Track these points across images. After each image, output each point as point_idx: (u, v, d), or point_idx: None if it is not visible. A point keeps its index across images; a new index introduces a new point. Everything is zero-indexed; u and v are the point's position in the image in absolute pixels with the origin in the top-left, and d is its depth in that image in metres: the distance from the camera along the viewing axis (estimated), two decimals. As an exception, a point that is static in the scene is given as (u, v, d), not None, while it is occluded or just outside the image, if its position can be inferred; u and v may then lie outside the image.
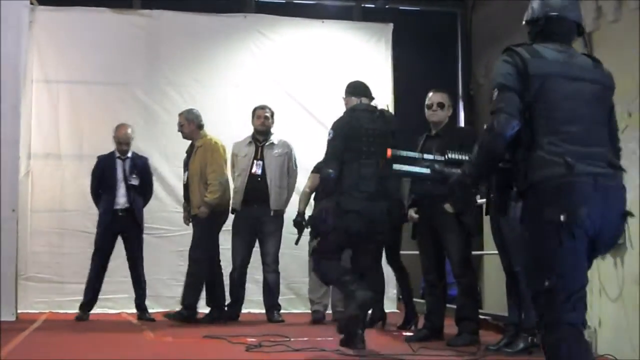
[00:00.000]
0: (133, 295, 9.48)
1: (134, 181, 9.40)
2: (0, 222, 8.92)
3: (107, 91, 10.83)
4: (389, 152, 5.48)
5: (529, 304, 6.51)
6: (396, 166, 5.17)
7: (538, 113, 4.02)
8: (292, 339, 7.25)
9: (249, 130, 9.66)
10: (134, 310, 9.48)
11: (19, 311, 9.27)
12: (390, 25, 11.80)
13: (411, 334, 7.81)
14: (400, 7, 12.58)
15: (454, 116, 12.10)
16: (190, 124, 9.31)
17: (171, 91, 10.91)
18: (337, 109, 10.08)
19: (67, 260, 9.49)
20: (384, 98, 11.39)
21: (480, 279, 11.86)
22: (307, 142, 9.97)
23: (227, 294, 9.39)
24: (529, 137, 4.02)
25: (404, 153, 5.37)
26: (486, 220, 7.41)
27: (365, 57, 11.64)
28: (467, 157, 4.51)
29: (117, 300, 9.55)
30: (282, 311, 9.59)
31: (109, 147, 9.49)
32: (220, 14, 11.34)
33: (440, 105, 7.58)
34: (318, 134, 9.98)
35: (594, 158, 3.96)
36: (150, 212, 9.90)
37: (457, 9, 13.03)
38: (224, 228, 9.48)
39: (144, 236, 9.60)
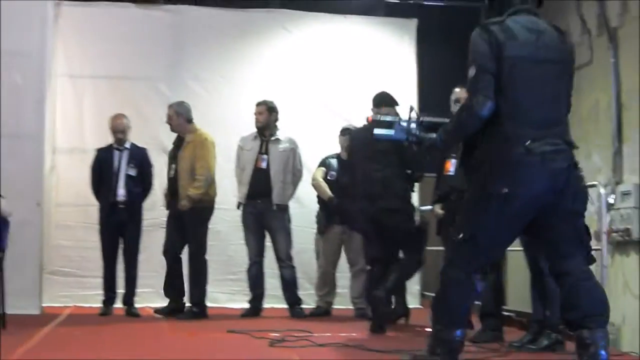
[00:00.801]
0: (156, 288, 9.52)
1: (131, 172, 9.34)
2: (26, 216, 8.94)
3: (131, 86, 10.88)
4: (369, 118, 6.09)
5: (553, 300, 6.51)
6: (377, 131, 5.58)
7: (505, 94, 4.46)
8: (315, 334, 7.24)
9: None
10: (158, 305, 9.50)
11: (43, 305, 9.31)
12: (414, 21, 11.79)
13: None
14: (424, 3, 12.51)
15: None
16: (180, 117, 9.28)
17: (195, 86, 10.94)
18: (360, 105, 10.16)
19: (92, 254, 9.51)
20: (408, 94, 11.42)
21: (504, 276, 11.85)
22: (329, 137, 9.92)
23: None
24: (495, 116, 4.47)
25: (384, 118, 5.76)
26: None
27: (389, 53, 11.64)
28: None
29: (140, 294, 9.56)
30: (304, 306, 9.61)
31: (133, 141, 9.50)
32: (245, 9, 11.35)
33: (457, 102, 7.47)
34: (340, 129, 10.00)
35: (552, 137, 4.48)
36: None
37: (481, 3, 12.97)
38: (229, 224, 9.62)
39: (149, 230, 9.65)
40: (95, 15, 10.85)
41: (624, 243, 9.52)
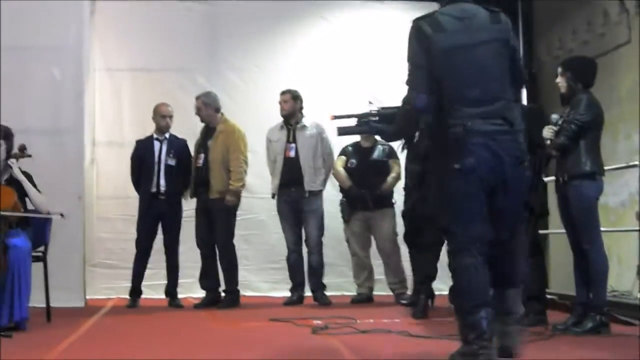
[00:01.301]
0: (197, 279, 9.57)
1: (171, 161, 9.37)
2: (67, 210, 9.00)
3: (169, 77, 10.91)
4: (331, 116, 6.05)
5: (596, 282, 6.49)
6: (339, 127, 5.83)
7: (444, 83, 4.80)
8: (358, 321, 7.25)
9: (310, 114, 9.70)
10: (200, 295, 9.55)
11: (87, 297, 9.39)
12: (451, 5, 11.71)
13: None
14: (459, -13, 12.43)
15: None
16: (208, 108, 9.36)
17: (232, 76, 10.97)
18: (396, 91, 10.09)
19: (132, 246, 9.52)
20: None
21: (547, 258, 11.79)
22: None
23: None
24: (440, 103, 4.82)
25: (345, 114, 5.87)
26: (553, 199, 7.33)
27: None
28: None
29: (182, 284, 9.61)
30: (346, 293, 9.63)
31: (172, 132, 9.54)
32: (281, -2, 11.37)
33: None
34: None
35: (491, 116, 4.78)
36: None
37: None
38: (271, 213, 9.82)
39: (190, 220, 9.64)
40: (131, 8, 10.86)
41: (666, 223, 9.43)
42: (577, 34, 11.49)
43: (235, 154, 9.17)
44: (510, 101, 4.94)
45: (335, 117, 5.92)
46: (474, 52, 4.86)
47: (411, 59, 4.99)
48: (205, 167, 9.25)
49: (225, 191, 9.15)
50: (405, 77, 5.02)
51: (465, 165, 4.72)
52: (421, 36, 4.92)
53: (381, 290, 10.00)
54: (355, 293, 9.83)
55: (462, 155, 4.72)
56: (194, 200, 9.56)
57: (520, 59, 5.22)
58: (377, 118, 5.56)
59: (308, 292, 9.65)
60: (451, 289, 5.25)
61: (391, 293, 9.75)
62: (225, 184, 9.17)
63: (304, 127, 9.55)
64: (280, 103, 9.61)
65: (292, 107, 9.54)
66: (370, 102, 5.80)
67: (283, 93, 9.64)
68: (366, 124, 5.59)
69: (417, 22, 5.02)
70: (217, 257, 9.37)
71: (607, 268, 6.69)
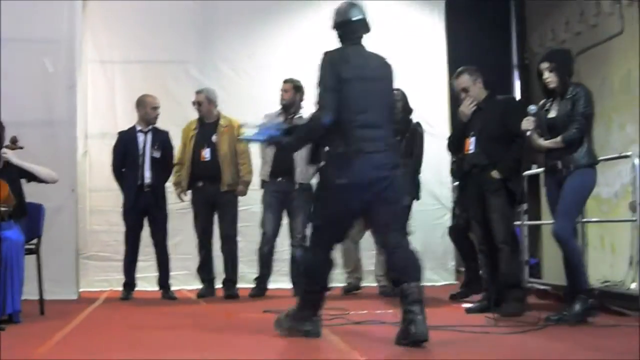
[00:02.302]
0: (192, 271, 9.60)
1: (156, 154, 9.36)
2: (61, 202, 9.01)
3: (162, 69, 10.92)
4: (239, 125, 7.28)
5: (578, 268, 6.69)
6: (244, 134, 6.91)
7: (343, 106, 5.69)
8: (351, 312, 7.27)
9: (306, 106, 9.69)
10: (194, 287, 9.57)
11: (80, 290, 9.39)
12: (444, -1, 11.76)
13: (471, 305, 7.76)
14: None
15: (508, 86, 12.08)
16: (210, 104, 9.49)
17: (225, 68, 10.98)
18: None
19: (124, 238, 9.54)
20: (438, 72, 11.43)
21: (539, 249, 11.82)
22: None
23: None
24: (336, 123, 5.69)
25: (256, 124, 6.65)
26: (543, 190, 7.37)
27: (419, 30, 11.63)
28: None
29: (176, 277, 9.62)
30: (338, 285, 9.64)
31: (164, 125, 9.53)
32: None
33: (464, 90, 7.61)
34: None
35: (376, 140, 5.72)
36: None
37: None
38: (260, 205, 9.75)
39: (182, 213, 9.75)
40: (123, 1, 10.86)
41: (659, 214, 9.44)
42: (570, 25, 11.51)
43: (244, 146, 9.37)
44: (390, 128, 5.96)
45: (241, 126, 6.93)
46: (369, 85, 5.85)
47: (322, 82, 5.82)
48: (213, 161, 9.35)
49: (235, 183, 9.38)
50: (317, 98, 5.84)
51: (344, 180, 5.66)
52: (333, 65, 5.86)
53: (370, 281, 10.13)
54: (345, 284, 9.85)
55: (348, 173, 5.66)
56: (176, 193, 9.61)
57: (394, 101, 6.70)
58: (277, 130, 6.34)
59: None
60: (299, 272, 6.37)
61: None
62: (234, 177, 9.38)
63: (301, 118, 9.52)
64: (281, 92, 9.60)
65: (292, 97, 9.53)
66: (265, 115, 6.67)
67: (286, 82, 9.64)
68: (265, 134, 6.35)
69: (330, 53, 6.00)
70: (211, 249, 9.47)
71: (580, 253, 6.91)
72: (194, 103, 9.50)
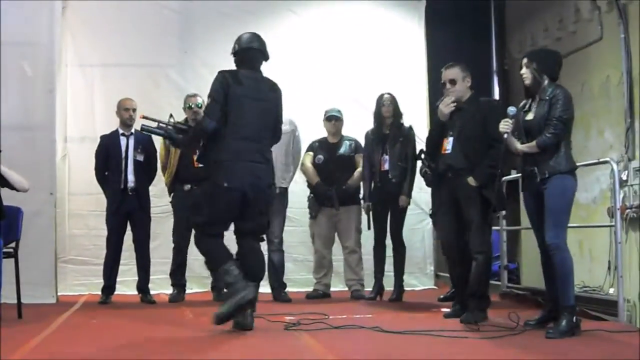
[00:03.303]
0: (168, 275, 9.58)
1: (139, 157, 9.34)
2: (39, 206, 8.98)
3: (142, 73, 10.89)
4: (141, 115, 7.77)
5: (568, 282, 6.42)
6: (143, 125, 7.50)
7: (230, 119, 6.72)
8: (330, 317, 7.26)
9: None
10: (170, 291, 9.55)
11: (59, 293, 9.35)
12: (423, 1, 11.77)
13: (448, 310, 7.73)
14: (433, -17, 12.50)
15: (488, 92, 12.10)
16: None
17: (205, 72, 10.91)
18: (371, 85, 10.16)
19: (105, 242, 9.51)
20: (417, 74, 11.46)
21: (519, 254, 11.86)
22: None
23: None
24: (224, 132, 6.70)
25: (152, 117, 7.47)
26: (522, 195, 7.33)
27: (398, 34, 11.67)
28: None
29: (154, 281, 9.60)
30: (302, 290, 9.67)
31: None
32: (253, -6, 11.35)
33: (452, 82, 7.43)
34: (352, 111, 10.00)
35: (255, 152, 6.78)
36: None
37: (489, -16, 12.93)
38: None
39: (160, 217, 9.77)
40: (103, 5, 10.82)
41: (637, 219, 9.48)
42: (549, 31, 11.57)
43: None
44: (267, 144, 7.01)
45: (144, 117, 7.52)
46: (255, 105, 6.85)
47: (211, 95, 6.84)
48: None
49: None
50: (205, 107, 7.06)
51: (230, 183, 6.64)
52: (224, 82, 6.83)
53: (336, 286, 10.19)
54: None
55: (229, 177, 6.66)
56: (163, 196, 9.58)
57: (281, 122, 7.30)
58: (172, 127, 7.34)
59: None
60: (206, 261, 6.98)
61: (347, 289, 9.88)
62: None
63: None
64: None
65: None
66: (170, 115, 7.47)
67: None
68: (163, 129, 7.34)
69: (223, 72, 6.94)
70: (187, 254, 9.48)
71: (573, 266, 6.53)
72: (190, 106, 9.42)
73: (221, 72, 6.93)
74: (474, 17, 12.73)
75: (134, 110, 9.43)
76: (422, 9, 11.74)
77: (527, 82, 6.70)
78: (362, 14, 11.62)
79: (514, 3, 12.80)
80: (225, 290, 6.84)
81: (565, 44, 11.15)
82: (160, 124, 7.31)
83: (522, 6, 12.49)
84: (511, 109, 6.73)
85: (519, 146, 6.69)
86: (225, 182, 6.63)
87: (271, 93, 7.08)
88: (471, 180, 7.15)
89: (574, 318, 6.36)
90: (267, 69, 10.53)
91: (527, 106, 6.77)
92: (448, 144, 7.37)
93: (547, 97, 6.54)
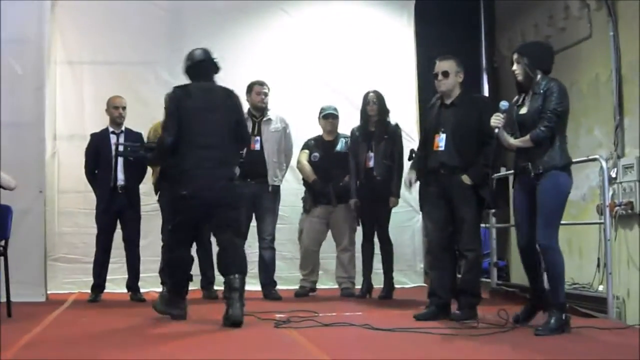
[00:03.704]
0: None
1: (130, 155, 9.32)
2: (28, 204, 8.95)
3: (131, 71, 10.87)
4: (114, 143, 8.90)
5: (559, 281, 6.38)
6: (117, 152, 8.71)
7: (185, 131, 7.11)
8: (320, 314, 7.26)
9: (272, 106, 9.67)
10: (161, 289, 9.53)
11: (48, 292, 9.33)
12: (412, 1, 11.76)
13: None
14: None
15: (477, 90, 12.09)
16: None
17: (195, 70, 10.95)
18: (360, 84, 10.16)
19: (94, 240, 9.49)
20: (407, 74, 11.47)
21: (508, 252, 11.89)
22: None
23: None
24: (178, 143, 7.12)
25: (124, 143, 8.59)
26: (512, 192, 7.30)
27: (388, 33, 11.67)
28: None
29: (144, 279, 9.58)
30: (290, 287, 9.68)
31: (133, 126, 9.49)
32: (243, -7, 11.35)
33: (445, 74, 7.28)
34: (342, 109, 9.99)
35: (211, 159, 7.09)
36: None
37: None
38: None
39: (150, 215, 9.74)
40: (93, 1, 10.77)
41: (627, 217, 9.52)
42: (539, 29, 11.59)
43: None
44: (227, 150, 7.28)
45: (117, 144, 8.51)
46: (209, 114, 7.21)
47: (166, 111, 7.25)
48: None
49: None
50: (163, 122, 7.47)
51: (189, 191, 7.00)
52: (175, 98, 7.24)
53: (323, 283, 10.24)
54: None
55: (187, 184, 7.04)
56: (152, 194, 9.57)
57: (245, 125, 7.79)
58: (143, 148, 8.19)
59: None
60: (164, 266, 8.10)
61: (334, 286, 9.92)
62: None
63: (269, 120, 9.51)
64: (260, 93, 9.51)
65: (268, 99, 9.52)
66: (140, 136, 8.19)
67: (261, 84, 9.57)
68: (135, 151, 8.31)
69: (174, 89, 7.36)
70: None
71: (564, 266, 6.45)
72: None
73: (173, 89, 7.38)
74: (463, 15, 12.72)
75: (124, 108, 9.41)
76: (411, 8, 11.74)
77: (519, 78, 6.56)
78: (352, 13, 11.62)
79: (504, 0, 12.82)
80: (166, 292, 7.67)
81: (554, 42, 11.14)
82: (132, 147, 8.16)
83: (512, 4, 12.50)
84: (503, 103, 6.59)
85: (512, 141, 6.54)
86: (184, 190, 7.04)
87: (227, 100, 7.43)
88: (465, 179, 7.02)
89: (564, 315, 6.30)
90: (259, 68, 10.63)
91: (521, 100, 6.62)
92: (440, 141, 7.21)
93: (541, 91, 6.40)
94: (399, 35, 11.70)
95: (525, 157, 6.47)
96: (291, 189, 10.01)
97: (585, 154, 9.57)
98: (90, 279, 9.36)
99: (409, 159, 8.19)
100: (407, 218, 11.16)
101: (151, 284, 9.90)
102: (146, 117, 9.76)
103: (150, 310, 7.49)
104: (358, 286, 9.61)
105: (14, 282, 7.74)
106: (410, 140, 10.89)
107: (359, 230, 9.54)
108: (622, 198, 9.55)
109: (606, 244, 7.71)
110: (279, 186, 9.56)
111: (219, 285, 9.41)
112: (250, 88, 9.56)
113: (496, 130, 6.54)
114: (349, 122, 9.75)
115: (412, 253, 11.27)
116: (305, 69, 11.23)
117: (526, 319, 6.71)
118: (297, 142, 9.92)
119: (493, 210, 9.17)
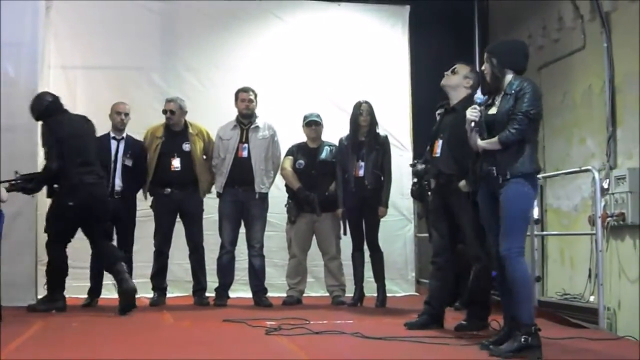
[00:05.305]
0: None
1: (128, 162, 9.32)
2: (20, 208, 8.94)
3: (124, 76, 10.86)
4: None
5: (524, 297, 5.84)
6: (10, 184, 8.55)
7: (66, 155, 8.32)
8: (311, 322, 7.25)
9: (265, 113, 9.67)
10: (152, 295, 9.52)
11: (38, 296, 9.29)
12: (407, 7, 11.79)
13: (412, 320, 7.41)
14: (417, -11, 12.50)
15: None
16: (182, 113, 9.49)
17: (188, 75, 10.95)
18: (354, 91, 10.16)
19: (85, 245, 9.44)
20: (401, 80, 11.48)
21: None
22: (325, 124, 9.88)
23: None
24: (64, 166, 8.37)
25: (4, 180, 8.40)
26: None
27: (382, 40, 11.68)
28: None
29: (136, 284, 9.56)
30: (277, 295, 9.67)
31: (126, 130, 9.49)
32: (237, -1, 11.37)
33: (453, 71, 7.23)
34: (335, 116, 9.99)
35: (91, 173, 8.44)
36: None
37: (472, -10, 12.94)
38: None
39: (143, 220, 9.68)
40: (87, 6, 10.78)
41: (618, 228, 9.53)
42: (533, 39, 11.61)
43: (211, 152, 9.52)
44: (98, 164, 8.63)
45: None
46: (79, 138, 8.51)
47: (48, 143, 8.42)
48: (184, 170, 9.37)
49: (205, 190, 9.52)
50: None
51: (74, 201, 8.25)
52: (52, 130, 8.41)
53: (311, 291, 10.26)
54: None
55: (74, 195, 8.27)
56: (147, 200, 9.56)
57: (99, 144, 8.95)
58: (21, 180, 8.33)
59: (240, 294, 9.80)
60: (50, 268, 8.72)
61: (324, 294, 9.93)
62: (209, 184, 9.53)
63: (257, 127, 9.49)
64: (245, 100, 9.47)
65: (255, 106, 9.51)
66: (16, 172, 8.31)
67: (245, 90, 9.53)
68: (15, 184, 8.32)
69: (47, 122, 8.45)
70: (168, 257, 9.52)
71: (530, 280, 6.16)
72: (165, 111, 9.44)
73: (48, 122, 8.55)
74: (458, 24, 12.73)
75: (126, 114, 9.45)
76: (406, 15, 11.75)
77: (487, 78, 6.18)
78: (346, 20, 11.64)
79: (498, 10, 12.84)
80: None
81: (548, 53, 11.21)
82: (11, 182, 8.27)
83: (506, 13, 12.53)
84: (479, 96, 6.20)
85: (479, 142, 6.03)
86: (70, 201, 8.31)
87: (86, 126, 8.78)
88: (464, 185, 6.78)
89: (524, 338, 5.68)
90: (252, 74, 10.63)
91: (491, 100, 6.14)
92: (438, 147, 7.14)
93: (513, 91, 5.91)
94: (393, 43, 11.70)
95: (491, 160, 5.95)
96: (282, 196, 9.95)
97: (577, 164, 9.60)
98: (80, 284, 9.33)
99: (414, 173, 7.93)
100: (399, 227, 11.16)
101: (142, 290, 9.85)
102: (138, 122, 9.75)
103: (141, 316, 7.48)
104: (349, 294, 9.59)
105: (5, 285, 7.75)
106: (402, 149, 10.90)
107: (348, 238, 9.49)
108: (614, 209, 9.56)
109: (598, 254, 7.71)
110: (266, 193, 9.52)
111: (210, 292, 9.48)
112: (235, 95, 9.57)
113: (472, 124, 6.07)
114: (340, 130, 9.65)
115: (404, 262, 11.26)
116: (299, 75, 11.23)
117: (498, 343, 5.99)
118: (285, 149, 9.89)
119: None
